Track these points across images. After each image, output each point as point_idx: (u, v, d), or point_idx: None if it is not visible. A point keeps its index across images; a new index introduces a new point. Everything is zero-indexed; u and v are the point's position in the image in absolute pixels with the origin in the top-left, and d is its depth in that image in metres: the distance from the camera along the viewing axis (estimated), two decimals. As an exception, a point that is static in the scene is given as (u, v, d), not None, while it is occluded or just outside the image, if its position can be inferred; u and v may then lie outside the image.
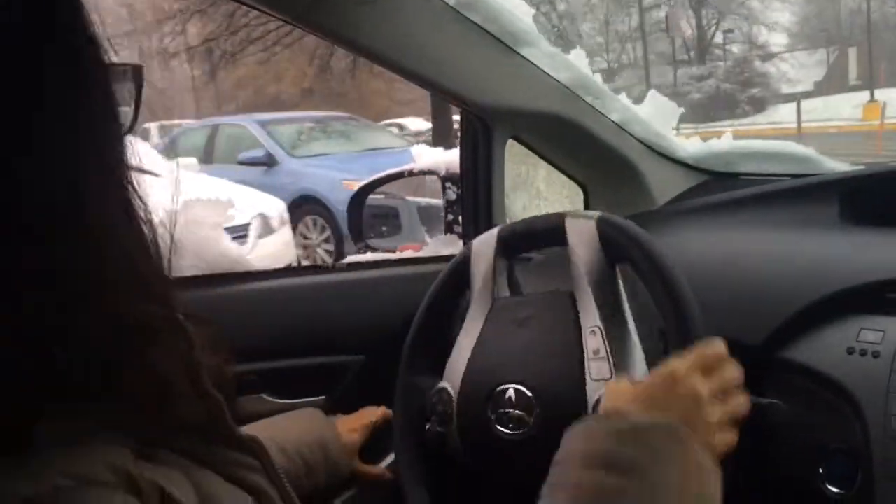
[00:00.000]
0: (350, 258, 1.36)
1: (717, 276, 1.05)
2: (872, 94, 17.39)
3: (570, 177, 1.42)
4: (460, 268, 1.02)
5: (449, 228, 1.42)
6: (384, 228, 1.76)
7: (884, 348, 0.81)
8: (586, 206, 1.43)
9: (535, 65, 1.24)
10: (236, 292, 1.21)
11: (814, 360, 0.87)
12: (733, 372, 0.67)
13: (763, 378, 0.92)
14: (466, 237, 1.36)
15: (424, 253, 1.38)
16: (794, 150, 1.32)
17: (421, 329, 1.03)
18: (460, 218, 1.39)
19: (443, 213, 1.43)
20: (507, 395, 0.88)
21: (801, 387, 0.88)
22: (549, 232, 0.96)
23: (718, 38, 25.74)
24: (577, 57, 1.31)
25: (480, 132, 1.30)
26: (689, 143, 1.40)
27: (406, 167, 1.48)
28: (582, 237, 0.90)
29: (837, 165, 1.30)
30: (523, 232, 1.00)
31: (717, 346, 0.68)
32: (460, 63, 1.21)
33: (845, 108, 16.79)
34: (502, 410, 0.88)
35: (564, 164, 1.40)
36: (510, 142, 1.35)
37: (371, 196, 1.64)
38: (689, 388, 0.63)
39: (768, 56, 24.83)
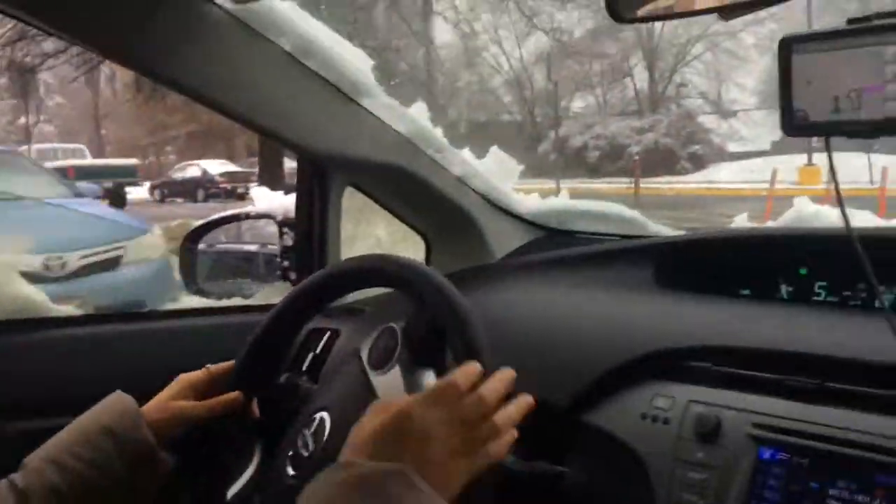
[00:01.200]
0: (175, 304, 1.29)
1: (535, 335, 1.06)
2: (810, 158, 15.96)
3: (410, 226, 1.41)
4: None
5: (286, 275, 1.38)
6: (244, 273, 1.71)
7: (672, 415, 0.84)
8: (427, 255, 1.43)
9: (373, 114, 1.24)
10: (38, 340, 1.12)
11: (611, 425, 0.88)
12: (477, 397, 0.69)
13: (568, 441, 0.93)
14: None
15: (254, 301, 1.34)
16: (622, 211, 1.38)
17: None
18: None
19: (278, 259, 1.39)
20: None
21: (601, 452, 0.89)
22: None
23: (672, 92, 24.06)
24: (419, 110, 1.32)
25: (316, 179, 1.28)
26: (528, 199, 1.44)
27: (243, 210, 1.44)
28: None
29: (661, 229, 1.35)
30: None
31: (462, 376, 0.69)
32: (296, 109, 1.19)
33: (787, 171, 15.13)
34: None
35: (404, 213, 1.40)
36: (350, 190, 1.34)
37: (239, 244, 1.59)
38: (420, 427, 0.65)
39: (727, 113, 23.47)
